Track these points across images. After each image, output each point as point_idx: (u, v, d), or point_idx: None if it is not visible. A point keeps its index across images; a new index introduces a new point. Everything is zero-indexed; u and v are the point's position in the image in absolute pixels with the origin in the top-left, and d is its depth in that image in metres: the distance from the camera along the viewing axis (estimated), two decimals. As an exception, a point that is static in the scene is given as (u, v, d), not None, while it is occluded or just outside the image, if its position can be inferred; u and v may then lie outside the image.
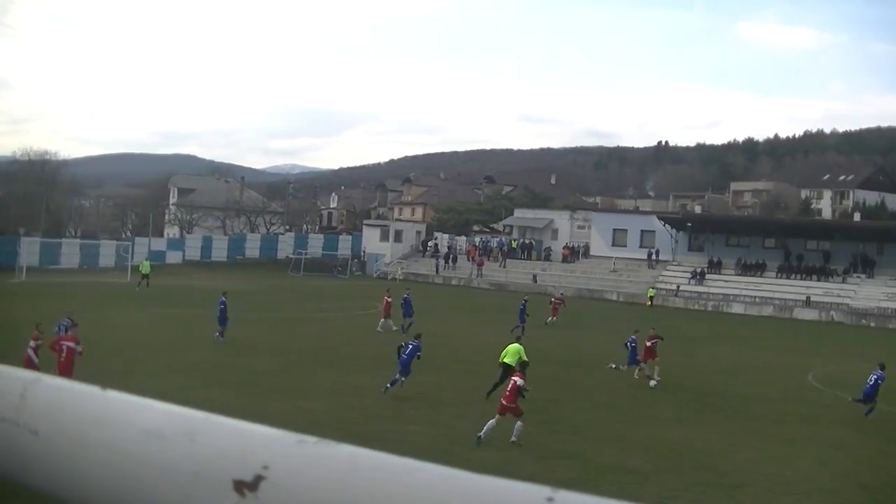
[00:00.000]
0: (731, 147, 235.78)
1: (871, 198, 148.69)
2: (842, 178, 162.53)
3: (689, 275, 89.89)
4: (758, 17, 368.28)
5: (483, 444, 22.83)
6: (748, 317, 78.39)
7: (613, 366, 37.17)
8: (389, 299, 48.65)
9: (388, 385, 29.41)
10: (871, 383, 30.75)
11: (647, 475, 21.58)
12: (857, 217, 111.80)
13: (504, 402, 23.65)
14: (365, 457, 1.59)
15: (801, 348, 53.47)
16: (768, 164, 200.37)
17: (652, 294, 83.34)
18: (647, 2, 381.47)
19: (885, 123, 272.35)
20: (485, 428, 23.15)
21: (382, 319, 48.05)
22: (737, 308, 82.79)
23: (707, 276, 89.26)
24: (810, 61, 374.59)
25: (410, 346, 30.21)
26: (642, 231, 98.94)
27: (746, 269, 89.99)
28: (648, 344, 35.52)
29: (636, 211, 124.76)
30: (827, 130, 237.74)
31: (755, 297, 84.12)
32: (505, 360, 30.03)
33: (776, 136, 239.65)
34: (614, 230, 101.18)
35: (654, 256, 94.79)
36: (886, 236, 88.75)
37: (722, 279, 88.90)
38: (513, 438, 23.18)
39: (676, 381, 34.43)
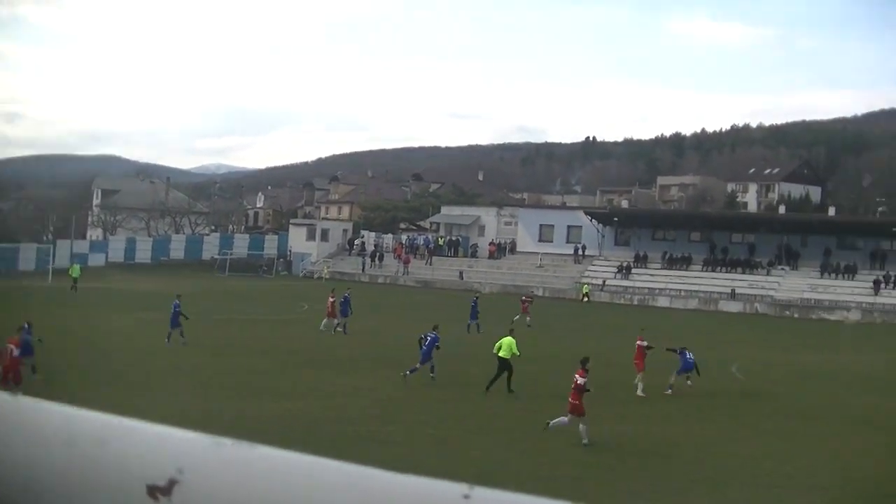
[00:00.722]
0: (659, 142, 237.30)
1: (796, 191, 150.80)
2: (767, 171, 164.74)
3: (615, 269, 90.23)
4: (686, 13, 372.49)
5: (552, 430, 23.85)
6: (673, 310, 78.78)
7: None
8: (333, 299, 48.36)
9: (408, 371, 31.67)
10: None
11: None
12: (781, 210, 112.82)
13: (571, 400, 23.98)
14: (281, 457, 1.60)
15: (725, 340, 53.59)
16: (695, 158, 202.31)
17: (587, 290, 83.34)
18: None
19: (809, 117, 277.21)
20: (553, 422, 23.99)
21: (326, 319, 47.88)
22: (662, 301, 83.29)
23: (633, 271, 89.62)
24: (737, 56, 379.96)
25: (430, 338, 32.33)
26: (569, 226, 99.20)
27: (672, 262, 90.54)
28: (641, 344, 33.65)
29: (563, 207, 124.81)
30: (753, 125, 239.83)
31: (680, 290, 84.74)
32: (500, 354, 30.71)
33: (703, 130, 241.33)
34: (541, 226, 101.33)
35: (580, 252, 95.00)
36: (810, 228, 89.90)
37: (648, 273, 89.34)
38: (584, 441, 23.46)
39: (602, 377, 33.85)
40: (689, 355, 32.85)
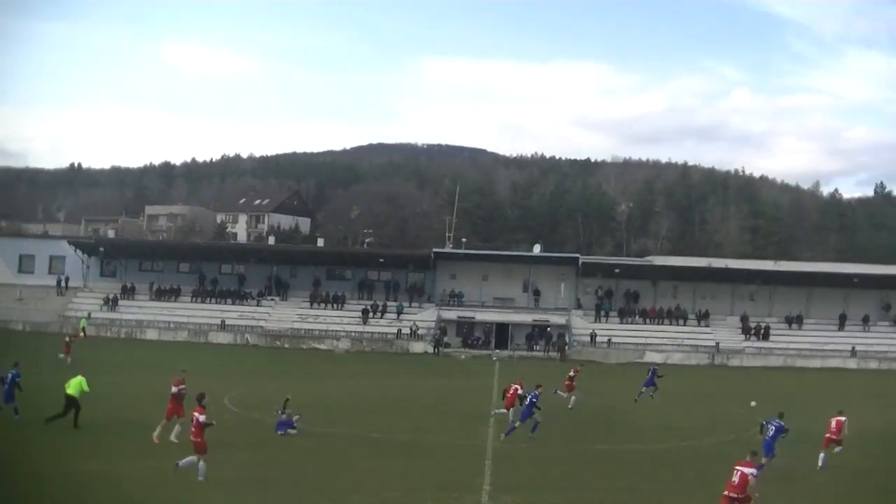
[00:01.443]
0: (148, 170, 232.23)
1: (286, 222, 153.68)
2: (257, 202, 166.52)
3: (101, 301, 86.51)
4: (180, 38, 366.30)
5: (181, 471, 23.40)
6: (163, 342, 77.11)
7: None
8: None
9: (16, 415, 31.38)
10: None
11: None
12: (271, 240, 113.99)
13: (194, 438, 23.86)
14: None
15: (216, 372, 52.89)
16: (185, 187, 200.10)
17: (84, 324, 78.06)
18: (72, 18, 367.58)
19: (300, 149, 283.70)
20: (183, 461, 23.66)
21: None
22: (151, 334, 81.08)
23: (120, 303, 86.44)
24: (228, 85, 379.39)
25: (10, 375, 32.25)
26: (51, 257, 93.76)
27: (161, 294, 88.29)
28: (175, 390, 31.25)
29: (45, 236, 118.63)
30: (244, 155, 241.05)
31: (170, 322, 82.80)
32: (68, 391, 30.90)
33: (193, 159, 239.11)
34: (21, 256, 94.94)
35: (63, 283, 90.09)
36: (299, 259, 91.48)
37: (135, 305, 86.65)
38: (200, 478, 23.23)
39: (89, 414, 31.54)
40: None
